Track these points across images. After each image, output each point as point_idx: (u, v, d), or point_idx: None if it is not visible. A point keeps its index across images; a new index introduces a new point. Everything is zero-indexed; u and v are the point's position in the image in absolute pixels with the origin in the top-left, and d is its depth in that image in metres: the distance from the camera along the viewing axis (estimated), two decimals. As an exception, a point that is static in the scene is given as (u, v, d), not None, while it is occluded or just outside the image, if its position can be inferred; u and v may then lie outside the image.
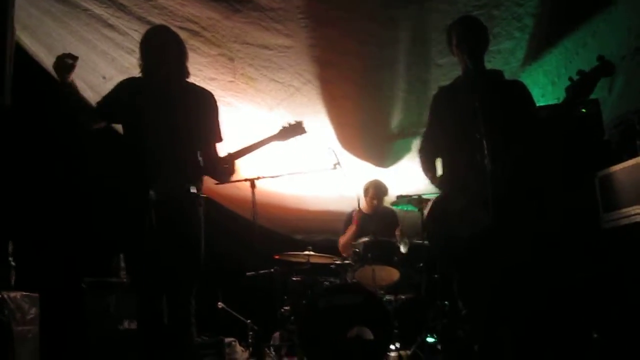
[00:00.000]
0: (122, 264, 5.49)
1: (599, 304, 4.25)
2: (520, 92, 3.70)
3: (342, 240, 6.46)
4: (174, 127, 3.52)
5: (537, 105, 4.96)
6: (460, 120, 3.59)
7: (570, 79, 3.28)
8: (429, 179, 3.94)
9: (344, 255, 6.25)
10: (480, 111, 3.31)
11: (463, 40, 3.61)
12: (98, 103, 3.73)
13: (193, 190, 3.54)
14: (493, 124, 3.31)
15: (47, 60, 5.81)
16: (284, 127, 3.85)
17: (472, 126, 3.40)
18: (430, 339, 5.66)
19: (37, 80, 5.59)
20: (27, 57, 5.57)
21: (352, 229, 6.30)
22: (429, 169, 3.92)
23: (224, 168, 3.66)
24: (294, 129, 3.86)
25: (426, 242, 4.06)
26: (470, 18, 3.79)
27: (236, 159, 3.69)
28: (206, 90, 3.82)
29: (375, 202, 6.54)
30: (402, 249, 5.95)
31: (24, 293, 4.16)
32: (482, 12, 4.79)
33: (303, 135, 3.89)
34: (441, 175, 3.84)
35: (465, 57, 3.60)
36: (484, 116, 3.31)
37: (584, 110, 4.69)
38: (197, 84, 3.86)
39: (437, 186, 3.86)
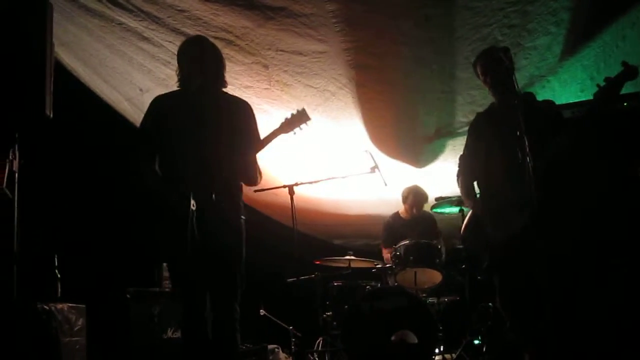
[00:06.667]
0: (165, 274, 5.54)
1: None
2: (552, 110, 3.89)
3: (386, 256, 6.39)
4: (207, 138, 3.54)
5: (575, 101, 4.93)
6: (497, 135, 3.79)
7: (598, 85, 3.44)
8: (469, 205, 4.09)
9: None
10: (519, 120, 3.34)
11: (489, 76, 3.81)
12: (142, 129, 3.74)
13: (232, 198, 3.57)
14: (530, 136, 3.33)
15: (85, 74, 5.91)
16: (287, 119, 3.66)
17: (508, 138, 3.56)
18: (475, 342, 5.60)
19: (75, 93, 5.70)
20: (65, 71, 5.67)
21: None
22: (468, 193, 4.08)
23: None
24: (298, 118, 3.64)
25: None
26: (492, 52, 3.82)
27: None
28: (241, 100, 3.84)
29: (414, 210, 6.48)
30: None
31: (71, 305, 4.20)
32: (516, 8, 4.73)
33: (308, 122, 3.65)
34: (479, 198, 3.99)
35: (492, 90, 3.85)
36: (521, 128, 3.35)
37: (625, 104, 4.59)
38: (233, 92, 3.88)
39: (475, 209, 3.96)
